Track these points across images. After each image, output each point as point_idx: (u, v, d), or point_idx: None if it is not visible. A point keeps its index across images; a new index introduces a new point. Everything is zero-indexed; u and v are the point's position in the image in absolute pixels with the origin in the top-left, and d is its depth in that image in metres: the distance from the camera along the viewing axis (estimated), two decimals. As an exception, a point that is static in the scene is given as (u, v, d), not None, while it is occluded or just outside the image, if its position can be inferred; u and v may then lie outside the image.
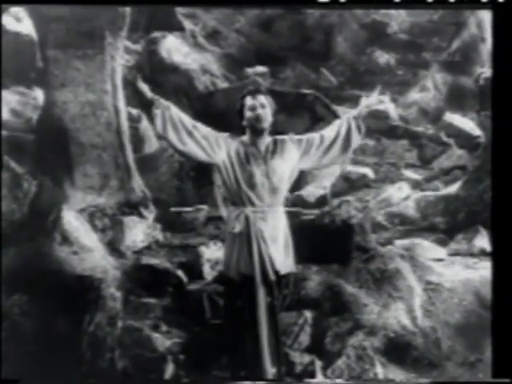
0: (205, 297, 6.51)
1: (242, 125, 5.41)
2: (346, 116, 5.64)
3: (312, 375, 5.80)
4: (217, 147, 5.35)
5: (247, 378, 5.22)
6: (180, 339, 6.12)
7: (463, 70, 12.74)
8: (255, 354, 5.18)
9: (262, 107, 5.35)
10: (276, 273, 5.26)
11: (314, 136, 5.51)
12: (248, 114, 5.36)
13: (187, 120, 5.37)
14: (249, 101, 5.37)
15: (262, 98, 5.38)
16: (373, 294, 6.36)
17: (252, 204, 5.29)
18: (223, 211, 8.41)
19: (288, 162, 5.39)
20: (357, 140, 5.56)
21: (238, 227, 5.28)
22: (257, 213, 5.28)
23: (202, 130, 5.36)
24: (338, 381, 5.75)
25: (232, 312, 5.32)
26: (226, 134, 5.41)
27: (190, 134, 5.32)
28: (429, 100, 12.60)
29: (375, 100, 5.71)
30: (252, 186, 5.29)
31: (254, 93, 5.44)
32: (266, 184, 5.31)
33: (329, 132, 5.54)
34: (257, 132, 5.37)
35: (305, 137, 5.51)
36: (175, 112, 5.37)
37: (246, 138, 5.40)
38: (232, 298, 5.32)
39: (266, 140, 5.40)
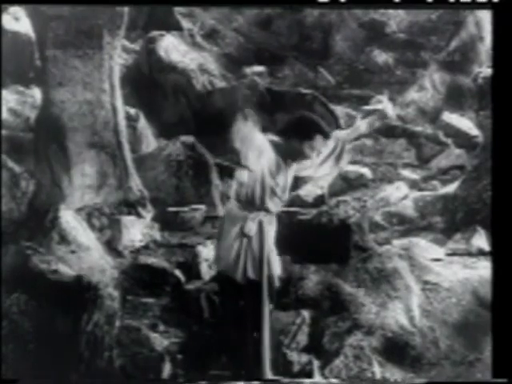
0: (202, 296, 6.50)
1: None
2: (337, 137, 5.68)
3: (310, 375, 5.79)
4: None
5: (246, 377, 5.24)
6: (178, 339, 6.12)
7: (461, 70, 12.74)
8: (255, 356, 5.23)
9: None
10: (280, 279, 5.34)
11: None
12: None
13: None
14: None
15: None
16: (371, 293, 6.35)
17: (267, 211, 5.34)
18: (221, 210, 8.41)
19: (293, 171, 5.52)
20: (346, 160, 5.72)
21: (253, 231, 5.30)
22: (267, 218, 5.35)
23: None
24: (336, 381, 5.74)
25: (232, 312, 5.33)
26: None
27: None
28: (427, 99, 12.59)
29: (366, 129, 5.81)
30: (273, 194, 5.36)
31: None
32: (281, 192, 5.39)
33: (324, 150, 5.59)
34: None
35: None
36: None
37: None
38: (234, 298, 5.33)
39: None
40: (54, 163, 7.93)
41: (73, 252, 6.46)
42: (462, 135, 11.46)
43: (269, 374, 5.25)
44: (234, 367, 5.36)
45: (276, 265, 5.37)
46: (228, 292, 5.43)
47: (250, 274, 5.25)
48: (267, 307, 5.27)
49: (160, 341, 6.02)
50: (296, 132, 5.38)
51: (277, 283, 5.33)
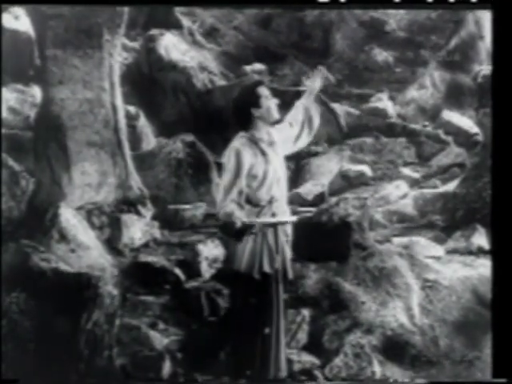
0: (202, 294, 6.51)
1: (254, 116, 5.28)
2: (301, 103, 5.78)
3: (310, 373, 5.79)
4: None
5: (250, 377, 5.22)
6: (178, 337, 6.12)
7: (461, 68, 12.74)
8: (263, 355, 5.18)
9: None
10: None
11: (285, 125, 5.52)
12: (268, 103, 5.31)
13: None
14: (265, 91, 5.32)
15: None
16: (371, 291, 6.36)
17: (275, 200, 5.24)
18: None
19: None
20: (317, 120, 5.70)
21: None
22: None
23: None
24: (336, 381, 5.75)
25: (243, 309, 5.25)
26: None
27: None
28: (427, 98, 12.59)
29: (318, 84, 6.00)
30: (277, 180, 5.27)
31: (263, 84, 5.42)
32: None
33: (294, 118, 5.60)
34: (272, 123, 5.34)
35: (278, 127, 5.47)
36: None
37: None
38: (246, 295, 5.20)
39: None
40: (54, 162, 7.92)
41: (73, 250, 6.45)
42: (462, 133, 11.46)
43: (284, 372, 5.22)
44: (238, 366, 5.31)
45: (288, 256, 5.26)
46: (240, 289, 5.27)
47: (266, 268, 5.12)
48: (282, 302, 5.18)
49: (160, 339, 6.02)
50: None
51: (290, 274, 5.26)
